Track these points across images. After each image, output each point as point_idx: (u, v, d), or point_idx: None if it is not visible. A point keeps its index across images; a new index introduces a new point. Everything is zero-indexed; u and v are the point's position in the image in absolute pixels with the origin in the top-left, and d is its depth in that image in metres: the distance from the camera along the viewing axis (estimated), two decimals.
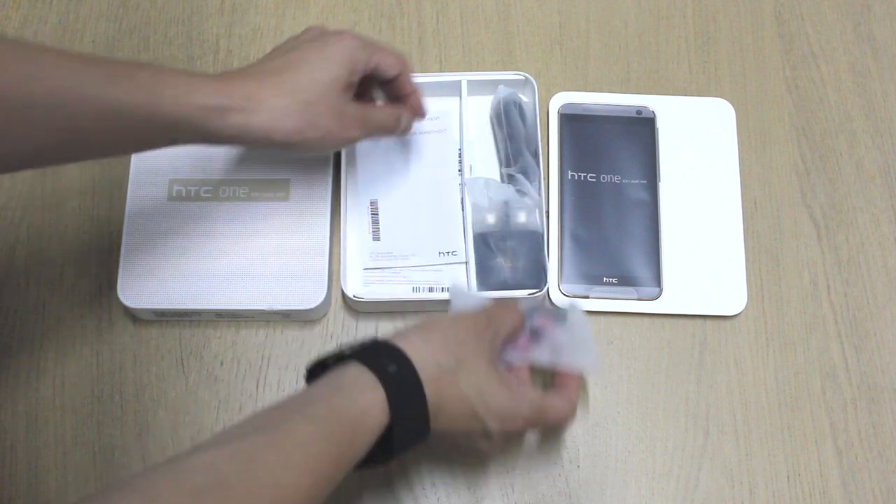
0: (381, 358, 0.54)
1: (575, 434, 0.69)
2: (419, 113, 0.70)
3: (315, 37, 0.64)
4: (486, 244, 0.71)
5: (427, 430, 0.54)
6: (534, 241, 0.72)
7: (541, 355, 0.64)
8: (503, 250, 0.71)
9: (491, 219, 0.72)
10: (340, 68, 0.62)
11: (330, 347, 0.71)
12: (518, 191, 0.72)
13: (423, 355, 0.55)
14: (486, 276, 0.71)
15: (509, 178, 0.73)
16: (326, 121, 0.61)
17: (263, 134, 0.59)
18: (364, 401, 0.52)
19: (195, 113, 0.56)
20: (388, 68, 0.66)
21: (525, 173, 0.73)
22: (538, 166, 0.73)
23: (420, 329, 0.58)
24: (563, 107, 0.77)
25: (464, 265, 0.72)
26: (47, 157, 0.58)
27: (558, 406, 0.61)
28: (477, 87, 0.76)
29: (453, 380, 0.55)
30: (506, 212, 0.72)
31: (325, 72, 0.62)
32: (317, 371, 0.56)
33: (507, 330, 0.62)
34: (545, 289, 0.70)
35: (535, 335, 0.65)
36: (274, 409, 0.51)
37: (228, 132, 0.58)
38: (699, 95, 0.79)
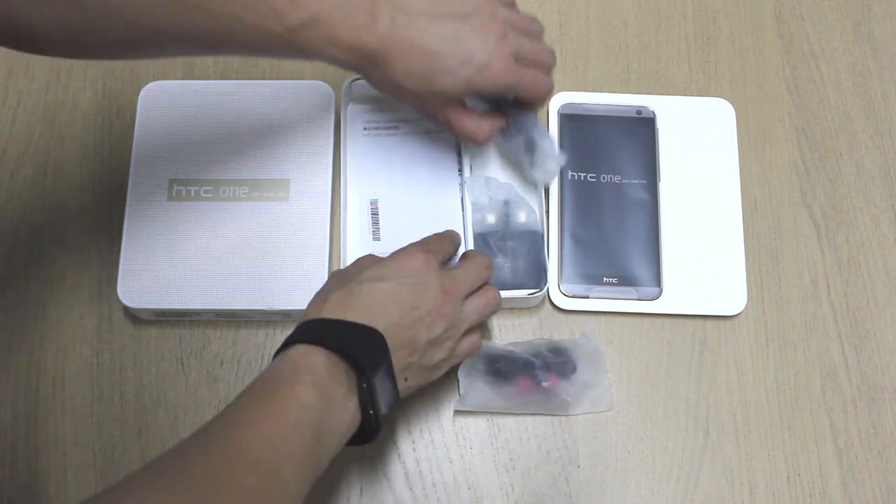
0: (289, 337, 0.56)
1: (575, 434, 0.70)
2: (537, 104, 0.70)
3: (478, 26, 0.63)
4: (487, 244, 0.71)
5: (370, 329, 0.56)
6: (534, 241, 0.72)
7: (548, 409, 0.69)
8: (503, 250, 0.71)
9: (491, 218, 0.72)
10: (470, 88, 0.63)
11: None
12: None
13: (312, 306, 0.58)
14: None
15: (526, 146, 0.71)
16: (428, 109, 0.66)
17: (372, 83, 0.65)
18: (283, 359, 0.54)
19: (327, 59, 0.61)
20: (525, 99, 0.68)
21: (532, 142, 0.71)
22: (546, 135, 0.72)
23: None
24: (563, 107, 0.77)
25: None
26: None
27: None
28: None
29: (350, 289, 0.58)
30: (506, 211, 0.72)
31: (455, 87, 0.63)
32: None
33: (449, 248, 0.66)
34: (545, 288, 0.71)
35: (545, 391, 0.69)
36: None
37: (341, 65, 0.62)
38: (699, 95, 0.79)
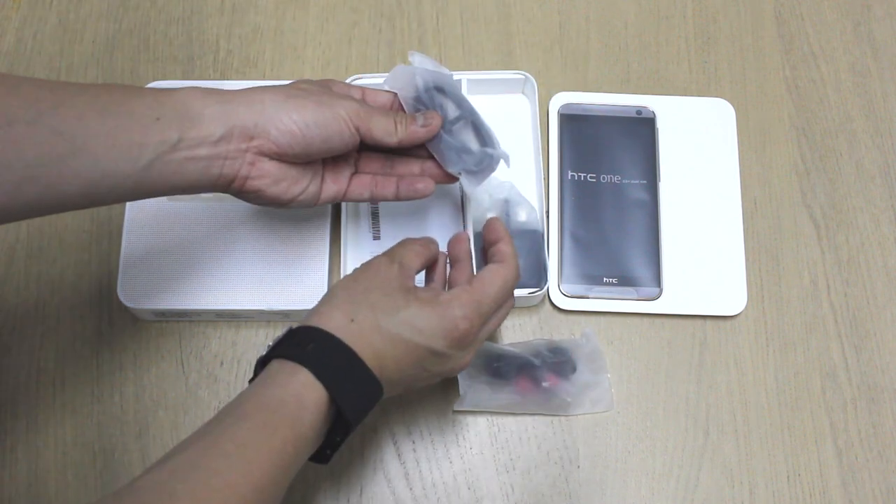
0: (296, 343, 0.54)
1: (575, 434, 0.70)
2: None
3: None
4: None
5: (377, 385, 0.54)
6: (534, 240, 0.72)
7: (548, 409, 0.69)
8: None
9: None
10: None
11: None
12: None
13: (335, 320, 0.54)
14: None
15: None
16: (313, 100, 0.58)
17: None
18: (292, 384, 0.52)
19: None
20: (385, 135, 0.60)
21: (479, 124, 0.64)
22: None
23: (325, 298, 0.57)
24: (563, 107, 0.77)
25: None
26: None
27: (494, 278, 0.59)
28: (477, 87, 0.76)
29: (376, 325, 0.54)
30: (506, 209, 0.72)
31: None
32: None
33: (415, 258, 0.60)
34: (545, 288, 0.71)
35: (545, 391, 0.69)
36: (211, 419, 0.52)
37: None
38: (699, 95, 0.79)
